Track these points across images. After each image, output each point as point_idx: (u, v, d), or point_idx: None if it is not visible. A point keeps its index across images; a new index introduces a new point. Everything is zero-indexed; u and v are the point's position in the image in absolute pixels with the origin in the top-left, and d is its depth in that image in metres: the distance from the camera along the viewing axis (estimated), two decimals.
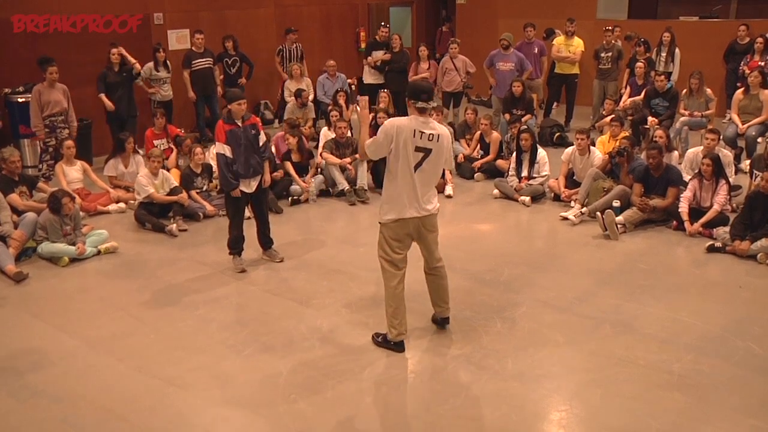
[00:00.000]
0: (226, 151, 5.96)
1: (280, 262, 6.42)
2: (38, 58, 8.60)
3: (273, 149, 8.99)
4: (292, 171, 8.47)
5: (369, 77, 11.78)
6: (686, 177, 7.59)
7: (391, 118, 4.64)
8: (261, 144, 6.17)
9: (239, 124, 6.01)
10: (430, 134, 4.51)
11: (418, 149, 4.49)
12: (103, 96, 9.29)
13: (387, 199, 4.62)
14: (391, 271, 4.69)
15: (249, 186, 6.14)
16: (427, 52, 11.24)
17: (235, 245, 6.28)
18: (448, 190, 8.40)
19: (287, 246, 6.88)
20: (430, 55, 11.30)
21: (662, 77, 9.73)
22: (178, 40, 11.19)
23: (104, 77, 9.33)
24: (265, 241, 6.49)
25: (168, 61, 10.27)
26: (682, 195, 7.18)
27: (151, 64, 10.03)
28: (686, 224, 6.98)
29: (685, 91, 9.83)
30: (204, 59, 10.67)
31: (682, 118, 9.66)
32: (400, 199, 4.55)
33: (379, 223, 4.69)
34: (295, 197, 8.25)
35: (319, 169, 8.85)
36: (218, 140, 5.99)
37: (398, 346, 4.79)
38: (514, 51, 10.79)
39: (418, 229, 4.67)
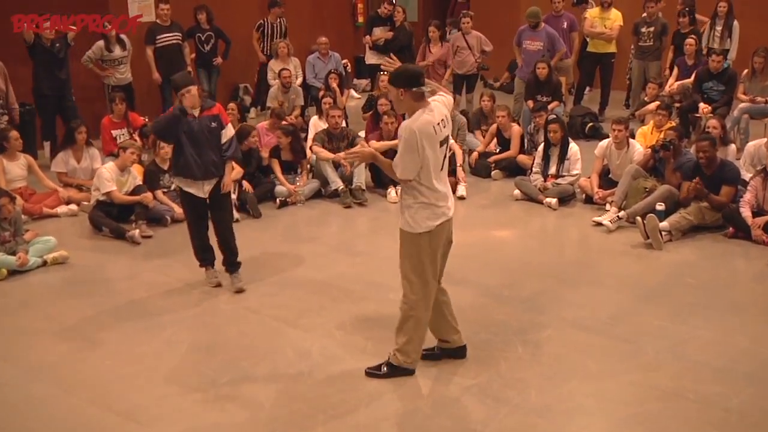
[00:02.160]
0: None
1: (237, 293, 6.10)
2: None
3: (257, 142, 8.99)
4: (278, 171, 8.47)
5: (372, 57, 11.77)
6: (746, 175, 7.58)
7: (404, 124, 4.52)
8: (224, 140, 6.00)
9: (195, 114, 5.88)
10: (441, 120, 4.56)
11: (441, 143, 4.56)
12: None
13: (423, 205, 4.57)
14: (427, 289, 4.70)
15: (202, 190, 5.98)
16: (439, 32, 11.13)
17: (203, 255, 6.24)
18: (461, 190, 8.39)
19: (271, 255, 6.88)
20: (443, 36, 11.19)
21: (719, 57, 9.72)
22: (140, 10, 11.21)
23: (33, 50, 9.29)
24: (228, 260, 6.21)
25: (124, 37, 10.23)
26: (741, 199, 7.16)
27: (101, 43, 9.98)
28: (752, 229, 6.94)
29: (746, 71, 9.81)
30: (171, 34, 10.68)
31: (741, 105, 9.66)
32: (438, 201, 4.59)
33: (415, 233, 4.58)
34: (282, 199, 8.24)
35: (309, 166, 8.85)
36: None
37: (410, 372, 4.87)
38: (545, 27, 10.77)
39: (449, 230, 4.76)
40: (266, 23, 11.98)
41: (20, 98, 9.25)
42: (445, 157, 4.62)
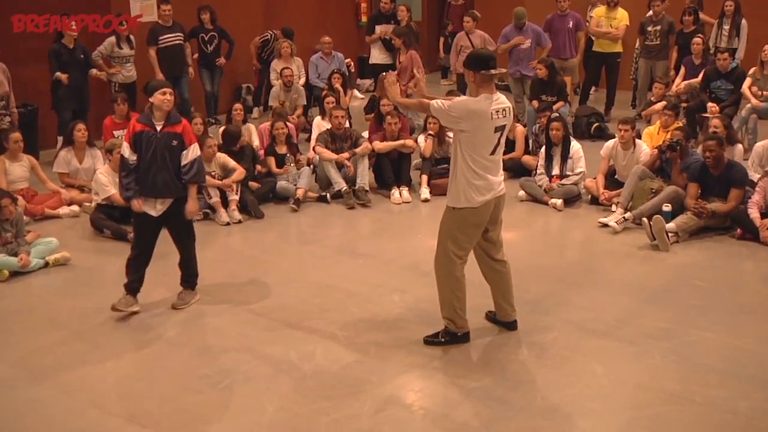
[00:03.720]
0: (127, 152, 5.53)
1: (176, 308, 5.88)
2: None
3: (257, 142, 9.00)
4: (273, 165, 8.49)
5: (376, 56, 11.71)
6: (753, 176, 7.55)
7: (463, 98, 5.02)
8: (185, 162, 5.58)
9: (157, 127, 5.52)
10: (502, 109, 4.92)
11: (496, 130, 4.92)
12: (60, 74, 9.32)
13: (466, 184, 4.94)
14: (457, 261, 5.08)
15: (154, 208, 5.62)
16: (401, 40, 10.75)
17: (134, 281, 5.73)
18: None
19: (273, 257, 6.88)
20: (406, 42, 10.79)
21: (725, 55, 9.69)
22: (142, 10, 11.23)
23: (57, 55, 9.33)
24: (185, 279, 5.99)
25: (132, 37, 10.29)
26: (750, 199, 7.13)
27: (113, 39, 10.07)
28: (760, 231, 6.93)
29: (754, 69, 9.76)
30: (173, 35, 10.71)
31: (749, 105, 9.61)
32: (479, 183, 4.94)
33: (454, 208, 5.00)
34: (295, 199, 8.14)
35: (312, 166, 8.85)
36: (125, 138, 5.63)
37: (466, 337, 5.26)
38: (529, 24, 10.80)
39: (494, 210, 5.10)
40: (272, 38, 11.93)
41: (21, 99, 9.26)
42: (498, 144, 4.96)
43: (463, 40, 11.09)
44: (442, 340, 5.23)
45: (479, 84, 4.89)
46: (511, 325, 5.45)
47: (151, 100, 5.51)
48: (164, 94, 5.49)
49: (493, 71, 4.86)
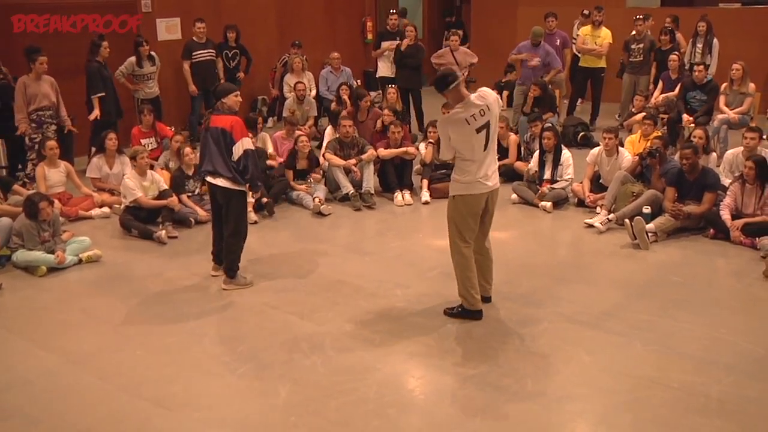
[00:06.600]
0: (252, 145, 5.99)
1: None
2: (25, 48, 8.62)
3: (272, 150, 9.02)
4: (290, 178, 8.46)
5: (382, 70, 11.59)
6: (725, 181, 7.55)
7: (442, 119, 5.29)
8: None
9: None
10: (481, 110, 5.07)
11: (479, 130, 5.07)
12: (96, 100, 9.14)
13: (460, 177, 5.20)
14: (460, 244, 5.30)
15: None
16: (369, 104, 9.47)
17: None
18: None
19: (287, 255, 6.88)
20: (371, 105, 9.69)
21: (701, 67, 9.71)
22: (167, 29, 11.23)
23: (99, 72, 9.18)
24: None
25: (154, 54, 10.22)
26: (722, 203, 7.13)
27: (132, 59, 9.96)
28: (731, 231, 6.93)
29: (725, 85, 9.77)
30: (206, 51, 10.73)
31: (721, 116, 9.61)
32: (471, 176, 5.14)
33: (453, 196, 5.25)
34: (319, 212, 8.03)
35: (322, 172, 8.85)
36: (246, 135, 5.92)
37: (479, 314, 5.44)
38: (543, 44, 10.75)
39: (486, 203, 5.28)
40: (289, 61, 11.95)
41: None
42: (488, 139, 5.12)
43: (448, 56, 10.93)
44: (457, 311, 5.47)
45: (454, 98, 5.13)
46: (487, 300, 5.65)
47: (224, 101, 5.87)
48: (237, 96, 5.92)
49: (452, 84, 5.05)
